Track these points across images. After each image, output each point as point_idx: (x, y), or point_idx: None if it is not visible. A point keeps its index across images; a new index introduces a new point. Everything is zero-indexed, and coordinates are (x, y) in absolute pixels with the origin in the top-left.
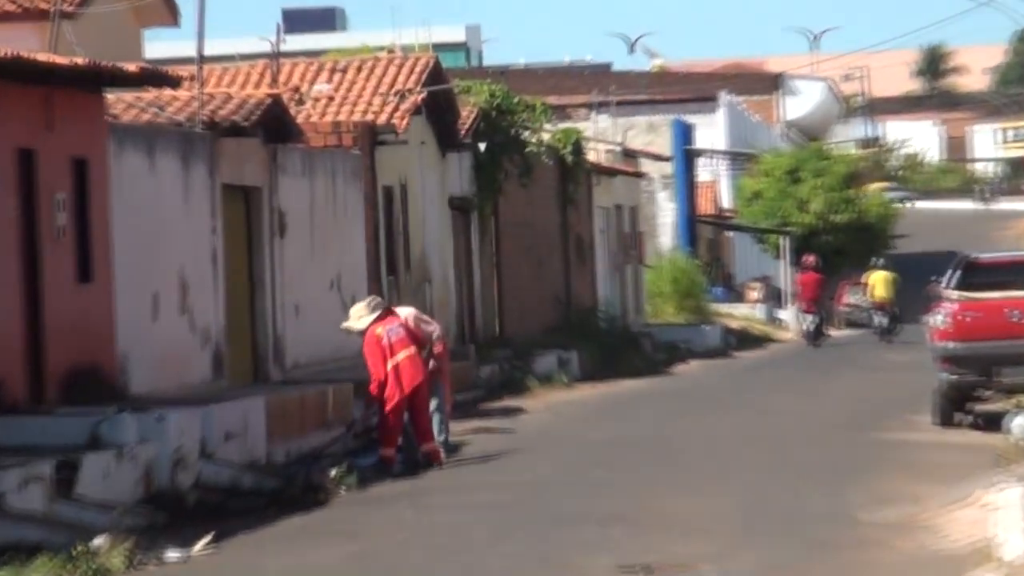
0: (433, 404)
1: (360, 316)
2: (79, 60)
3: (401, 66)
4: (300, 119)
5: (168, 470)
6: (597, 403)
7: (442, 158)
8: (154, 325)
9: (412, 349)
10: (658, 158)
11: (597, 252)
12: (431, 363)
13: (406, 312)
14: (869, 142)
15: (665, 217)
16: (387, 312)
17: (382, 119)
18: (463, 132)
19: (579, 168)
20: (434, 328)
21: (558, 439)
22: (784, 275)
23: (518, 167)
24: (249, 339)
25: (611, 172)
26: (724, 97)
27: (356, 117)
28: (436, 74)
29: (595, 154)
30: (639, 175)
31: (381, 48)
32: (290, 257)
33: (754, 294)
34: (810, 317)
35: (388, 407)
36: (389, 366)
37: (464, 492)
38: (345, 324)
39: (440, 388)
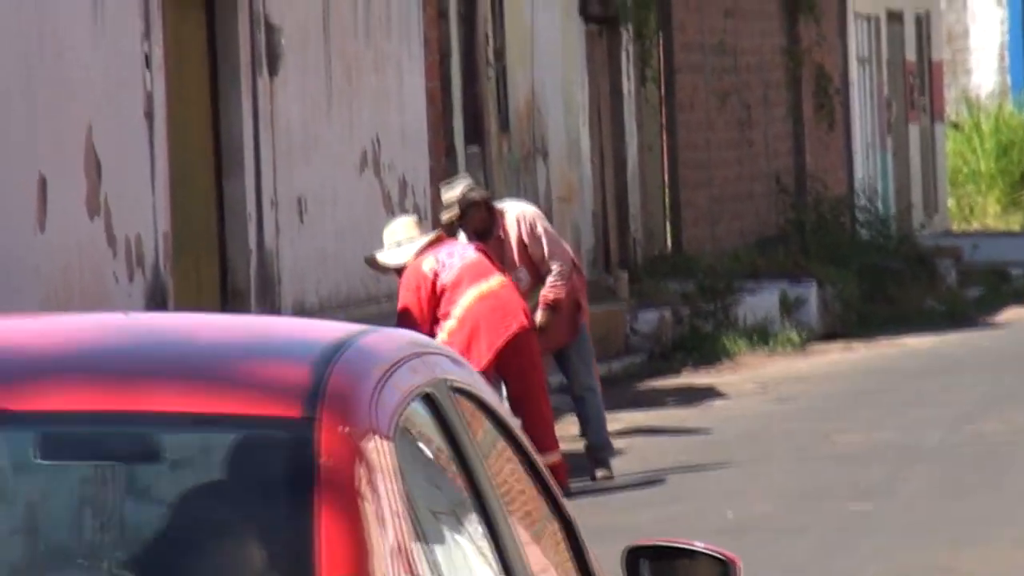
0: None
1: (398, 238)
2: None
3: None
4: None
5: None
6: (854, 380)
7: None
8: (39, 235)
9: (501, 283)
10: None
11: (853, 101)
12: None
13: (517, 211)
14: None
15: (986, 35)
16: (439, 240)
17: None
18: None
19: None
20: (555, 253)
21: (784, 448)
22: None
23: None
24: (214, 261)
25: None
26: None
27: None
28: None
29: None
30: None
31: None
32: (288, 110)
33: None
34: None
35: None
36: (452, 321)
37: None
38: (375, 255)
39: (581, 349)
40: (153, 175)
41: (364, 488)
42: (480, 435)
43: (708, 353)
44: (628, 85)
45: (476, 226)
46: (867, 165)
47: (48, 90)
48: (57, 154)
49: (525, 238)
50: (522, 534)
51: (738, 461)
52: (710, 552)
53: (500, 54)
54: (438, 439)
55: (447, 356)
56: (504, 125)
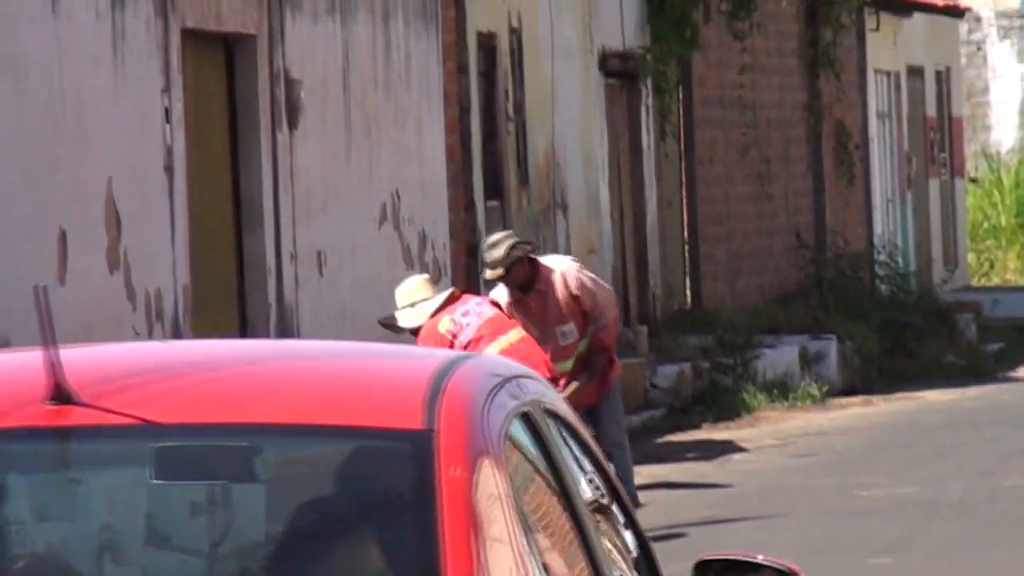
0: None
1: (412, 299)
2: None
3: None
4: None
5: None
6: (873, 435)
7: None
8: (59, 289)
9: (520, 336)
10: None
11: (873, 156)
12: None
13: (563, 266)
14: None
15: (1006, 90)
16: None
17: None
18: None
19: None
20: (606, 300)
21: (804, 503)
22: None
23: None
24: (234, 315)
25: (903, 6)
26: None
27: None
28: None
29: None
30: (956, 12)
31: None
32: (308, 164)
33: None
34: None
35: None
36: None
37: None
38: (387, 317)
39: (612, 406)
40: (173, 229)
41: (483, 497)
42: (567, 452)
43: (728, 407)
44: (648, 139)
45: (520, 281)
46: (887, 220)
47: (69, 144)
48: (77, 208)
49: (575, 291)
50: (607, 545)
51: (758, 515)
52: (773, 565)
53: (520, 109)
54: (535, 454)
55: (537, 379)
56: (524, 179)
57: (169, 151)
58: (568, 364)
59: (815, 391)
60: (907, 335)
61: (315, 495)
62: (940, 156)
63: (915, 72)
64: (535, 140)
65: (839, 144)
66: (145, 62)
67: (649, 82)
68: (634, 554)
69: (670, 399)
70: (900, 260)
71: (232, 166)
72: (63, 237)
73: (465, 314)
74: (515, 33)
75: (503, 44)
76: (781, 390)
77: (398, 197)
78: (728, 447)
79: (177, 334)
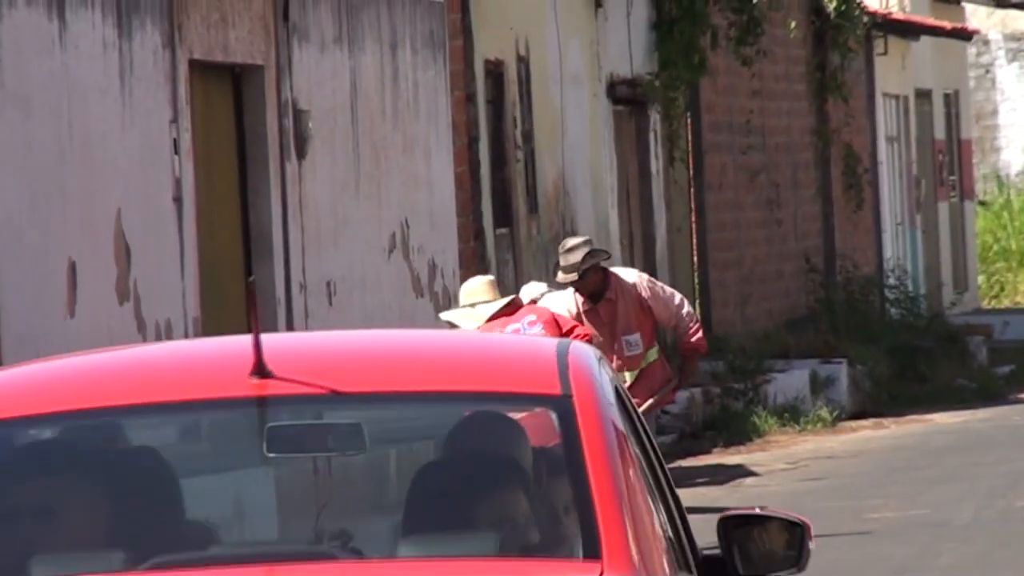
0: None
1: (473, 300)
2: None
3: None
4: None
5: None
6: (884, 458)
7: (596, 8)
8: (69, 321)
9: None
10: (1002, 3)
11: (882, 180)
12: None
13: (634, 278)
14: None
15: (1014, 113)
16: (514, 306)
17: None
18: None
19: (850, 22)
20: (681, 302)
21: (815, 526)
22: None
23: (735, 25)
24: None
25: (910, 29)
26: None
27: None
28: None
29: None
30: (964, 35)
31: None
32: (317, 194)
33: None
34: None
35: None
36: None
37: None
38: (449, 313)
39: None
40: (182, 260)
41: (613, 447)
42: (638, 429)
43: (739, 432)
44: (656, 165)
45: (591, 289)
46: (896, 244)
47: (77, 176)
48: (87, 240)
49: (648, 301)
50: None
51: None
52: (786, 517)
53: (528, 137)
54: (625, 419)
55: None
56: (533, 207)
57: (178, 182)
58: (632, 376)
59: (826, 415)
60: (917, 358)
61: (481, 450)
62: (949, 179)
63: (923, 95)
64: (544, 168)
65: (848, 168)
66: (153, 93)
67: (657, 108)
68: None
69: (681, 424)
70: (910, 283)
71: (241, 197)
72: (72, 268)
73: (515, 332)
74: (523, 61)
75: (511, 72)
76: (792, 414)
77: (407, 226)
78: (739, 471)
79: None
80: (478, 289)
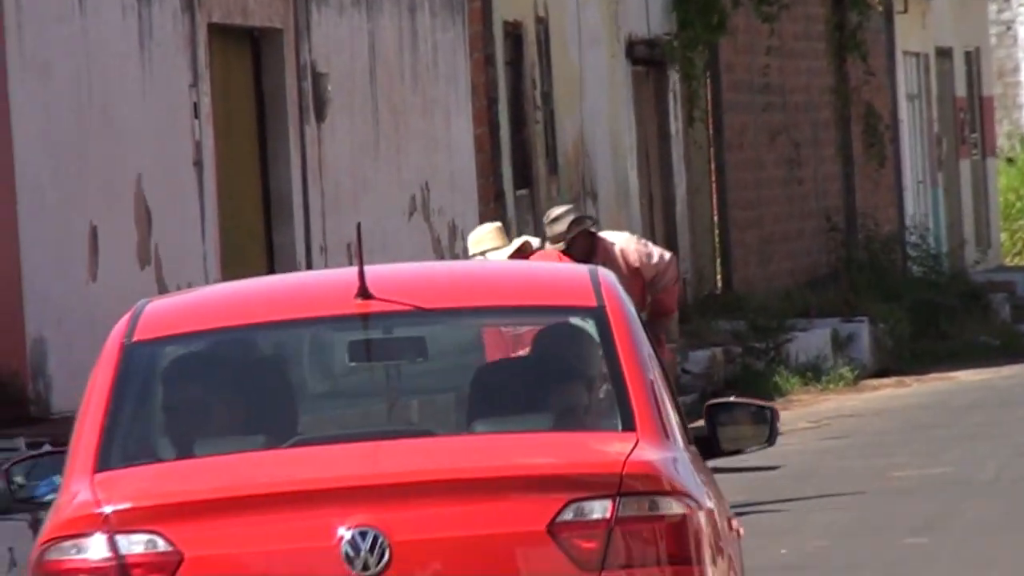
0: None
1: (483, 247)
2: None
3: None
4: None
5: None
6: (907, 416)
7: None
8: (91, 285)
9: None
10: None
11: (903, 138)
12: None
13: (622, 242)
14: None
15: None
16: (525, 252)
17: None
18: None
19: None
20: (667, 259)
21: (838, 485)
22: None
23: None
24: None
25: None
26: None
27: None
28: None
29: None
30: None
31: None
32: (336, 156)
33: None
34: None
35: None
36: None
37: None
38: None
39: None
40: (203, 224)
41: (637, 341)
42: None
43: (760, 391)
44: (676, 126)
45: (580, 255)
46: (918, 202)
47: (98, 141)
48: (107, 204)
49: (635, 264)
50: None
51: (793, 497)
52: (757, 403)
53: (547, 98)
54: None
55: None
56: (553, 168)
57: (198, 146)
58: None
59: (848, 373)
60: (940, 316)
61: (542, 350)
62: (971, 136)
63: (944, 53)
64: (563, 129)
65: (869, 127)
66: (172, 58)
67: (676, 68)
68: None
69: (702, 384)
70: (932, 241)
71: (261, 160)
72: (94, 233)
73: None
74: (541, 22)
75: (530, 33)
76: (814, 373)
77: (427, 188)
78: None
79: None
80: (486, 237)
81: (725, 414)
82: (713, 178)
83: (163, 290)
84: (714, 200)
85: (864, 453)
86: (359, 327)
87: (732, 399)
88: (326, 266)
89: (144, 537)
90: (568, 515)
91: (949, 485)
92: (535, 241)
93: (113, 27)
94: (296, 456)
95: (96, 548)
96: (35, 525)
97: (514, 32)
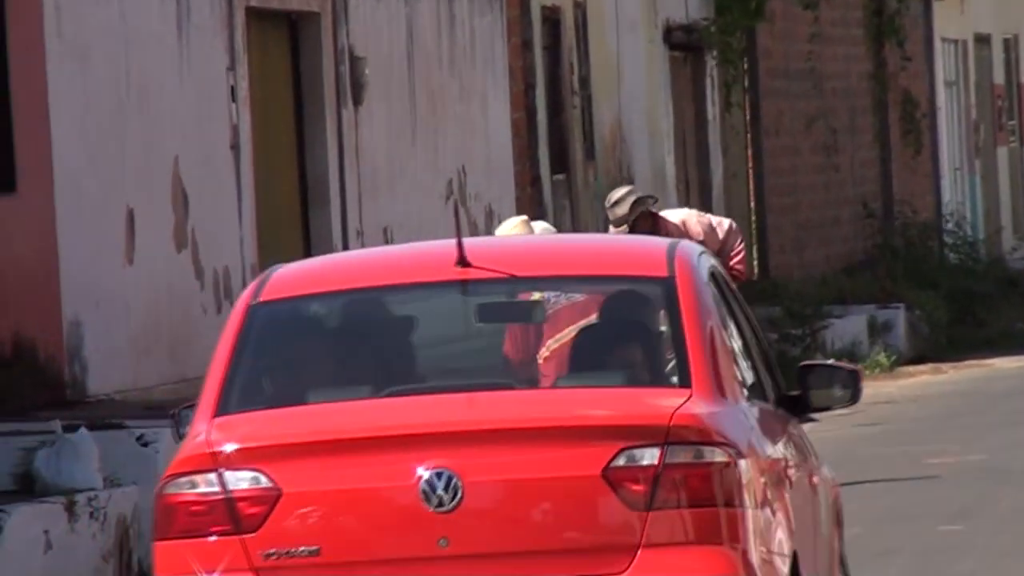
0: None
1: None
2: None
3: None
4: None
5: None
6: (943, 403)
7: None
8: (128, 268)
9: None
10: None
11: (941, 125)
12: None
13: (681, 216)
14: None
15: None
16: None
17: None
18: None
19: None
20: (727, 225)
21: (874, 471)
22: None
23: None
24: None
25: None
26: None
27: None
28: None
29: None
30: None
31: None
32: (373, 140)
33: None
34: None
35: None
36: (545, 351)
37: None
38: None
39: None
40: (240, 207)
41: (702, 308)
42: (733, 306)
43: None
44: (713, 111)
45: (643, 234)
46: (955, 189)
47: (135, 124)
48: (144, 187)
49: (699, 236)
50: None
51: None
52: (844, 366)
53: (585, 83)
54: (718, 296)
55: (709, 252)
56: (590, 153)
57: (235, 130)
58: None
59: (884, 360)
60: (976, 303)
61: (614, 316)
62: (1009, 124)
63: (982, 40)
64: (601, 114)
65: (906, 113)
66: (210, 41)
67: (714, 54)
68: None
69: None
70: (969, 228)
71: (298, 144)
72: (131, 216)
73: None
74: (579, 7)
75: (567, 18)
76: (849, 359)
77: (464, 173)
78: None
79: None
80: (511, 231)
81: (815, 375)
82: (750, 164)
83: (199, 273)
84: (751, 186)
85: (899, 440)
86: (458, 292)
87: (822, 362)
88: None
89: (249, 474)
90: (621, 461)
91: (984, 473)
92: (539, 226)
93: (151, 11)
94: (387, 405)
95: (207, 484)
96: (70, 508)
97: (551, 17)
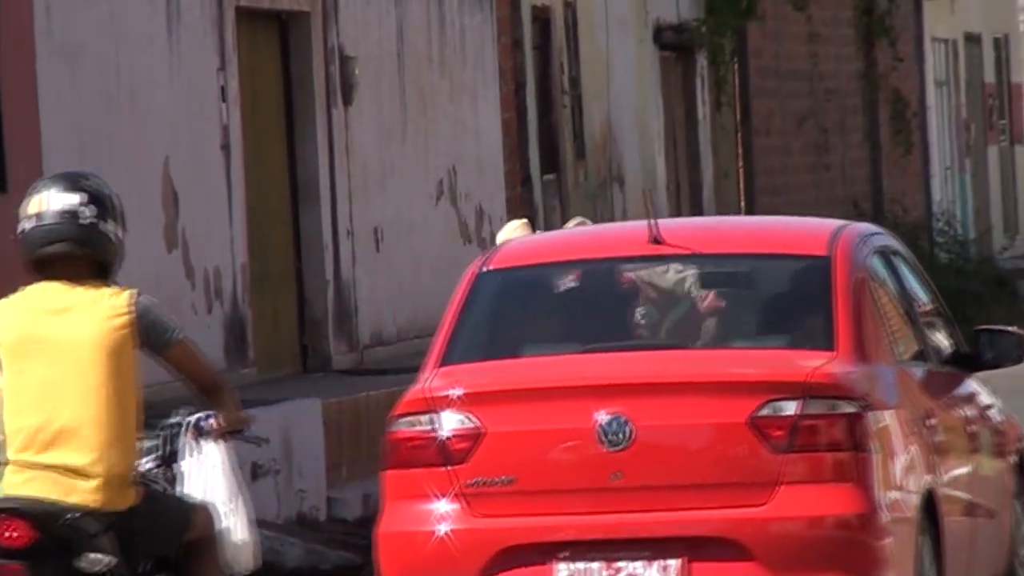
0: None
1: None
2: None
3: None
4: None
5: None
6: None
7: None
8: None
9: None
10: None
11: (931, 124)
12: None
13: None
14: None
15: None
16: None
17: None
18: None
19: None
20: None
21: None
22: None
23: None
24: (292, 292)
25: None
26: None
27: None
28: None
29: None
30: None
31: None
32: (364, 140)
33: None
34: None
35: None
36: None
37: None
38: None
39: None
40: (230, 207)
41: (855, 284)
42: (906, 276)
43: None
44: (703, 111)
45: None
46: (945, 188)
47: (125, 124)
48: (135, 187)
49: None
50: (935, 336)
51: None
52: (1015, 331)
53: (575, 83)
54: (885, 275)
55: (885, 234)
56: (580, 153)
57: (225, 130)
58: None
59: None
60: (966, 303)
61: (776, 287)
62: (999, 123)
63: (973, 39)
64: (591, 114)
65: (896, 113)
66: (200, 41)
67: (704, 54)
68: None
69: None
70: (959, 227)
71: (288, 144)
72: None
73: None
74: (569, 7)
75: (557, 18)
76: None
77: (454, 173)
78: None
79: (236, 311)
80: (511, 232)
81: (987, 336)
82: (740, 164)
83: (190, 273)
84: (741, 186)
85: None
86: (651, 265)
87: (995, 327)
88: (352, 251)
89: (458, 416)
90: (766, 411)
91: None
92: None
93: (141, 10)
94: (577, 361)
95: (424, 423)
96: None
97: (542, 17)
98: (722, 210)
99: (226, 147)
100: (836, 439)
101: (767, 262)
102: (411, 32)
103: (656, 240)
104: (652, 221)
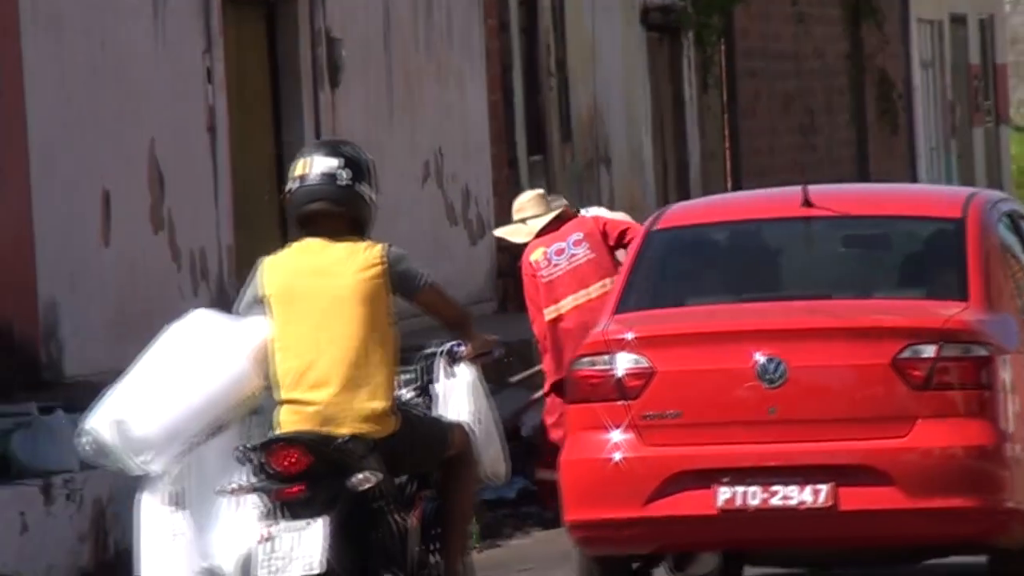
0: None
1: (524, 215)
2: None
3: None
4: None
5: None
6: None
7: None
8: (104, 250)
9: (601, 293)
10: None
11: (917, 105)
12: None
13: (597, 215)
14: None
15: None
16: (564, 218)
17: None
18: None
19: None
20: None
21: None
22: None
23: None
24: None
25: None
26: None
27: None
28: None
29: None
30: None
31: None
32: (350, 122)
33: None
34: None
35: (544, 394)
36: (548, 317)
37: None
38: (501, 230)
39: None
40: (216, 189)
41: (987, 243)
42: None
43: None
44: (690, 92)
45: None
46: (931, 169)
47: (111, 105)
48: (120, 169)
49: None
50: None
51: None
52: None
53: (562, 64)
54: (1013, 239)
55: (1013, 200)
56: (566, 135)
57: (211, 111)
58: None
59: None
60: None
61: (917, 248)
62: (984, 104)
63: (958, 20)
64: (577, 95)
65: (882, 93)
66: (186, 23)
67: (691, 35)
68: None
69: None
70: None
71: (274, 126)
72: (106, 198)
73: (559, 252)
74: None
75: (544, 0)
76: None
77: (441, 155)
78: None
79: (222, 294)
80: (528, 203)
81: None
82: (727, 144)
83: (176, 255)
84: (728, 166)
85: None
86: (802, 225)
87: None
88: None
89: (633, 357)
90: (906, 354)
91: None
92: (604, 211)
93: None
94: (738, 309)
95: (602, 363)
96: (46, 490)
97: None
98: (709, 191)
99: (212, 129)
100: (968, 379)
101: (907, 223)
102: (398, 14)
103: (807, 203)
104: (804, 187)
